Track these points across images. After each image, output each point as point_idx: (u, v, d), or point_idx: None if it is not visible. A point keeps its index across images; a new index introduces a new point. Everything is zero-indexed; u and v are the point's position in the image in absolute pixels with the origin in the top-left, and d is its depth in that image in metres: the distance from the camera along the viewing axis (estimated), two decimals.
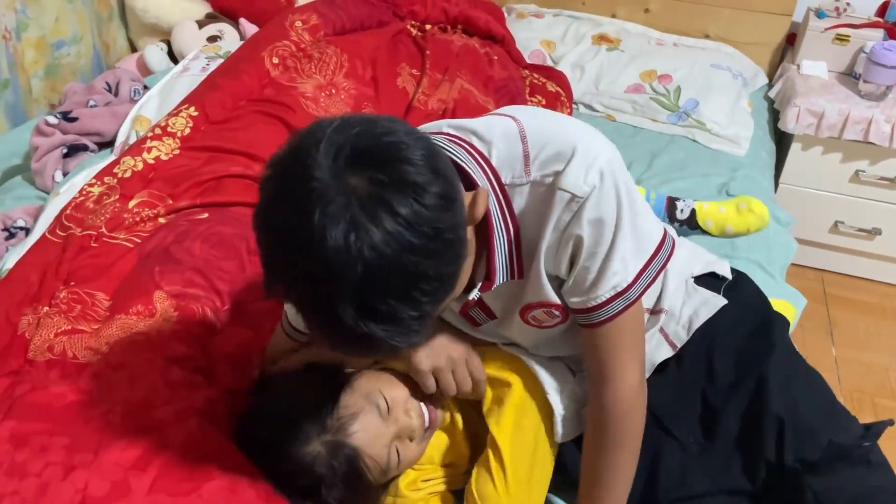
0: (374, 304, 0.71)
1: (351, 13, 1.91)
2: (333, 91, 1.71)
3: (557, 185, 0.88)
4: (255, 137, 1.58)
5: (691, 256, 1.28)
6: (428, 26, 2.10)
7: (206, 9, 2.48)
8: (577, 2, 2.78)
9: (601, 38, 2.60)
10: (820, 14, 2.46)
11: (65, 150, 1.70)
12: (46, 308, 1.25)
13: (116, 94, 1.90)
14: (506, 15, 2.77)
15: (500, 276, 0.95)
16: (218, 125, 1.61)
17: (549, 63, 2.53)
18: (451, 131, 0.95)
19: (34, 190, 1.69)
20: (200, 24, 2.36)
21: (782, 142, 2.45)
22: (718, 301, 1.20)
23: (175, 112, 1.62)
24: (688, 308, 1.20)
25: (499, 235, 0.92)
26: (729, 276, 1.27)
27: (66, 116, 1.74)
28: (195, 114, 1.61)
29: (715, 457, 1.14)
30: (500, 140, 0.91)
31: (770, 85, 2.59)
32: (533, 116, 0.95)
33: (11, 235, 1.50)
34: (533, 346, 1.12)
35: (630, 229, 0.92)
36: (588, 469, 1.06)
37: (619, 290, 0.95)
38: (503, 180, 0.91)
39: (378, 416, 1.03)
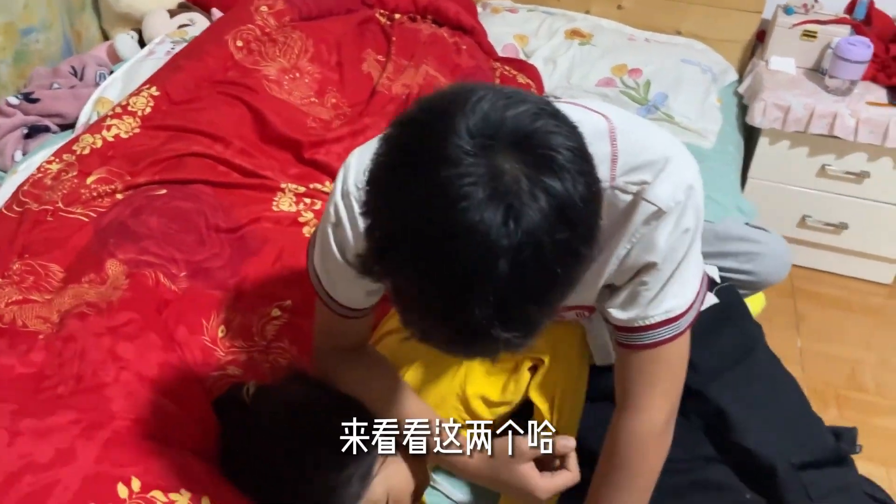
0: (511, 302, 0.62)
1: (319, 0, 1.92)
2: (297, 74, 1.72)
3: (643, 196, 0.83)
4: (216, 118, 1.59)
5: None
6: (397, 15, 2.11)
7: None
8: None
9: (574, 33, 2.62)
10: (788, 10, 2.49)
11: (25, 131, 1.69)
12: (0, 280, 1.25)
13: (82, 79, 1.90)
14: (480, 10, 2.80)
15: None
16: (180, 105, 1.61)
17: (522, 56, 2.54)
18: None
19: None
20: (172, 14, 2.36)
21: (752, 138, 2.48)
22: (710, 299, 1.22)
23: (136, 92, 1.62)
24: None
25: None
26: (718, 279, 1.30)
27: (28, 97, 1.74)
28: (157, 94, 1.61)
29: (690, 430, 1.13)
30: (588, 137, 0.83)
31: (740, 81, 2.62)
32: (624, 119, 0.89)
33: None
34: None
35: (695, 255, 0.89)
36: (591, 498, 1.00)
37: (672, 315, 0.90)
38: None
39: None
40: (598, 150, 0.79)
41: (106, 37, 2.57)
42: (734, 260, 1.43)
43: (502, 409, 1.15)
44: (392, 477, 1.02)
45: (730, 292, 1.29)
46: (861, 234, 2.47)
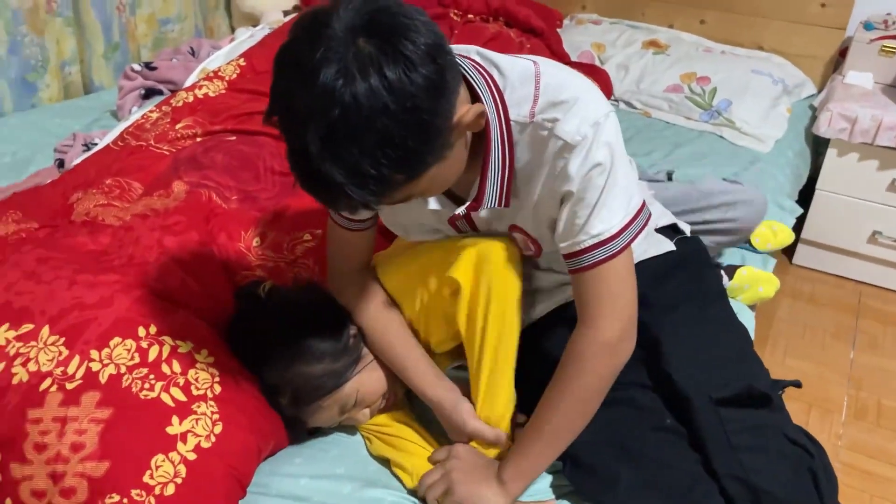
0: (339, 145, 0.79)
1: None
2: None
3: (554, 132, 0.96)
4: None
5: (660, 213, 1.43)
6: (470, 15, 2.34)
7: (295, 1, 2.84)
8: (638, 12, 2.94)
9: (651, 44, 2.75)
10: (867, 26, 2.50)
11: (143, 92, 2.06)
12: (94, 190, 1.57)
13: (196, 56, 2.27)
14: (567, 21, 2.98)
15: (487, 201, 1.02)
16: (261, 74, 1.91)
17: (597, 63, 2.70)
18: (477, 59, 1.01)
19: (115, 121, 2.07)
20: (286, 14, 2.71)
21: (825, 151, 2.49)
22: (667, 245, 1.33)
23: (228, 62, 1.94)
24: (641, 246, 1.31)
25: (494, 163, 1.00)
26: (687, 233, 1.40)
27: (149, 66, 2.11)
28: (243, 64, 1.92)
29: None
30: (516, 79, 0.98)
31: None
32: (550, 66, 1.01)
33: (88, 149, 1.85)
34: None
35: (619, 186, 0.99)
36: (541, 402, 1.10)
37: (603, 238, 1.01)
38: (511, 116, 0.98)
39: (335, 411, 1.19)
40: (526, 90, 0.99)
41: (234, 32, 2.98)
42: (717, 211, 1.57)
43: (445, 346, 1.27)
44: (365, 382, 1.21)
45: (693, 242, 1.38)
46: None
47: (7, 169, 1.92)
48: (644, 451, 1.11)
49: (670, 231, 1.40)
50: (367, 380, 1.22)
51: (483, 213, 1.10)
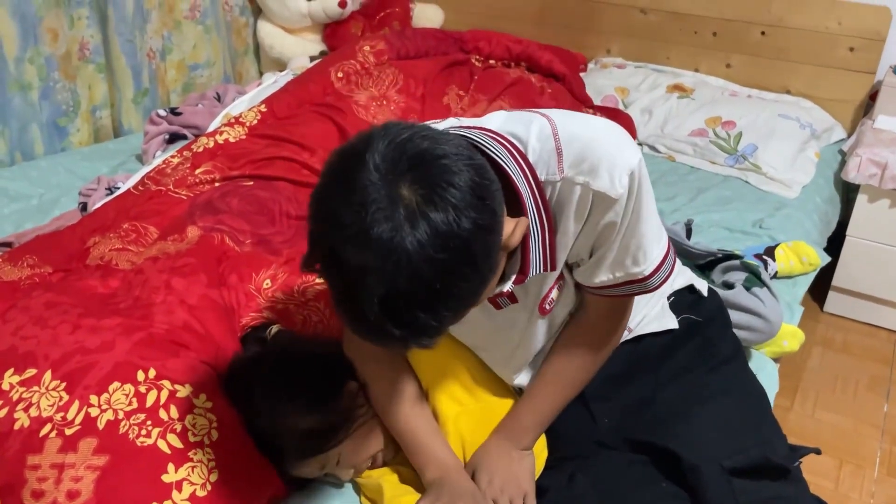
0: (397, 306, 0.76)
1: (418, 45, 2.21)
2: (384, 102, 1.99)
3: (591, 187, 0.94)
4: (307, 131, 1.89)
5: (677, 272, 1.35)
6: (492, 61, 2.35)
7: (322, 47, 2.89)
8: (663, 56, 2.94)
9: (675, 88, 2.73)
10: None
11: (167, 137, 2.10)
12: (111, 234, 1.59)
13: (221, 102, 2.31)
14: (592, 65, 2.99)
15: (534, 270, 0.99)
16: (281, 120, 1.94)
17: (621, 107, 2.69)
18: (494, 131, 0.99)
19: (140, 165, 2.11)
20: (312, 59, 2.76)
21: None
22: (670, 323, 1.26)
23: (250, 108, 1.97)
24: (641, 313, 1.26)
25: (534, 232, 0.97)
26: (705, 293, 1.35)
27: (174, 111, 2.15)
28: (264, 110, 1.95)
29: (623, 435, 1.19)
30: (535, 138, 0.97)
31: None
32: (564, 117, 1.00)
33: (111, 193, 1.88)
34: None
35: (650, 229, 1.01)
36: (545, 373, 1.16)
37: (638, 278, 1.03)
38: (539, 176, 0.96)
39: (318, 466, 1.16)
40: (547, 146, 0.97)
41: None
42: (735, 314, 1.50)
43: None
44: (352, 446, 1.17)
45: (709, 302, 1.33)
46: None
47: (34, 211, 1.96)
48: None
49: (686, 292, 1.34)
50: (355, 444, 1.18)
51: (521, 287, 1.07)
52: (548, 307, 1.11)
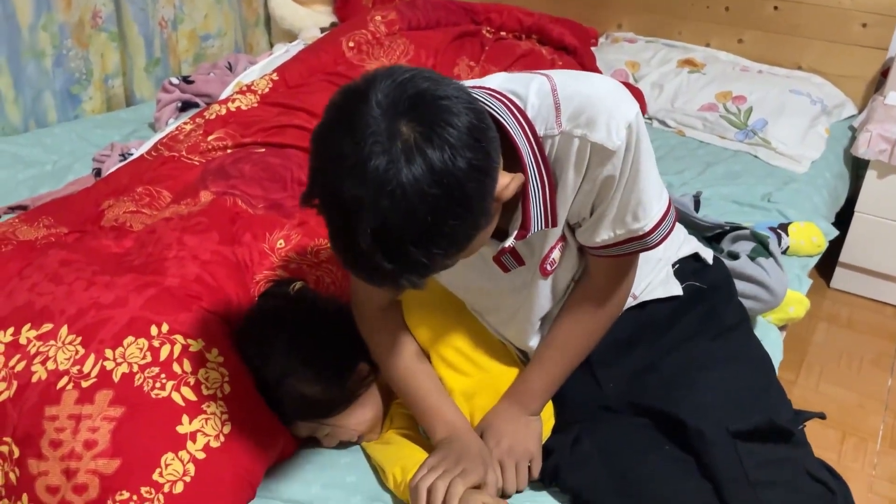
0: (389, 239, 0.78)
1: (429, 15, 2.21)
2: None
3: (589, 139, 0.94)
4: (319, 100, 1.90)
5: (682, 240, 1.36)
6: (503, 33, 2.35)
7: (332, 19, 2.89)
8: (674, 31, 2.92)
9: (687, 62, 2.73)
10: None
11: (179, 105, 2.11)
12: (125, 198, 1.61)
13: (233, 71, 2.32)
14: (602, 40, 2.98)
15: (535, 226, 1.00)
16: (293, 88, 1.95)
17: (631, 81, 2.68)
18: (494, 88, 1.00)
19: (153, 132, 2.12)
20: (323, 30, 2.76)
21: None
22: (675, 289, 1.27)
23: (262, 77, 1.98)
24: (646, 279, 1.27)
25: (534, 188, 0.98)
26: (710, 261, 1.35)
27: (186, 79, 2.17)
28: (276, 78, 1.96)
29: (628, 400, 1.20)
30: (534, 95, 0.97)
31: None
32: (563, 73, 1.01)
33: (124, 159, 1.90)
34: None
35: (649, 185, 1.01)
36: (553, 339, 1.18)
37: (641, 233, 1.03)
38: (538, 132, 0.96)
39: (309, 430, 1.21)
40: (546, 102, 0.98)
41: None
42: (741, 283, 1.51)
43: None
44: (343, 422, 1.20)
45: (715, 270, 1.33)
46: None
47: (48, 177, 1.98)
48: (646, 483, 1.08)
49: (691, 260, 1.34)
50: (347, 420, 1.20)
51: (525, 244, 1.08)
52: (549, 268, 1.12)
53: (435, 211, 0.78)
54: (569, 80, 0.99)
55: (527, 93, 0.98)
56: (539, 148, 0.96)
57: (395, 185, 0.76)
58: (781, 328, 1.67)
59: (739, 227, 1.74)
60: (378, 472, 1.20)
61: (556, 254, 1.11)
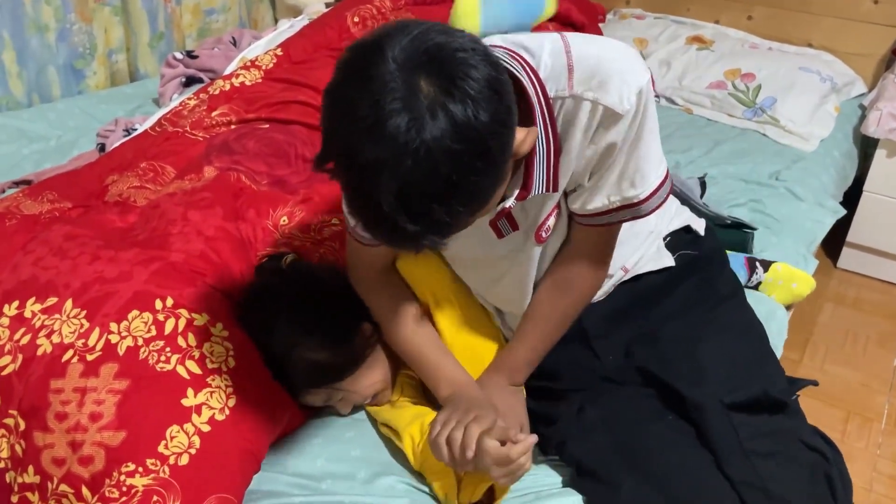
0: (412, 199, 0.76)
1: None
2: None
3: (599, 102, 0.93)
4: (323, 76, 1.86)
5: (673, 213, 1.35)
6: None
7: None
8: (683, 7, 2.89)
9: (695, 39, 2.70)
10: None
11: (183, 80, 2.10)
12: (129, 173, 1.60)
13: (237, 46, 2.30)
14: (610, 16, 2.95)
15: (536, 188, 0.99)
16: (297, 64, 1.93)
17: None
18: (506, 45, 0.98)
19: (157, 108, 2.11)
20: (327, 5, 2.73)
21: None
22: (667, 261, 1.27)
23: (266, 52, 1.97)
24: (637, 251, 1.27)
25: (540, 149, 0.96)
26: (702, 232, 1.35)
27: (190, 54, 2.15)
28: (280, 53, 1.94)
29: (629, 371, 1.20)
30: (547, 55, 0.95)
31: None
32: (576, 35, 0.99)
33: (129, 134, 1.89)
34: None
35: (650, 153, 1.01)
36: (535, 311, 1.17)
37: (634, 201, 1.02)
38: (549, 93, 0.94)
39: (323, 398, 1.22)
40: (558, 63, 0.95)
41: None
42: None
43: None
44: (356, 385, 1.21)
45: (707, 241, 1.33)
46: None
47: (52, 152, 1.98)
48: (649, 453, 1.08)
49: (683, 232, 1.34)
50: (358, 383, 1.21)
51: (521, 209, 1.07)
52: (544, 235, 1.10)
53: (458, 167, 0.75)
54: (582, 42, 0.98)
55: (540, 52, 0.96)
56: (549, 108, 0.95)
57: (418, 143, 0.73)
58: (788, 308, 1.66)
59: (743, 225, 1.72)
60: (390, 439, 1.20)
61: (551, 221, 1.09)
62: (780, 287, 1.59)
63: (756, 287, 1.63)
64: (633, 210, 1.04)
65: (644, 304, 1.24)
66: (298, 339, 1.16)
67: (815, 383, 1.24)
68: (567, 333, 1.19)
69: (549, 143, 0.96)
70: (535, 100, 0.93)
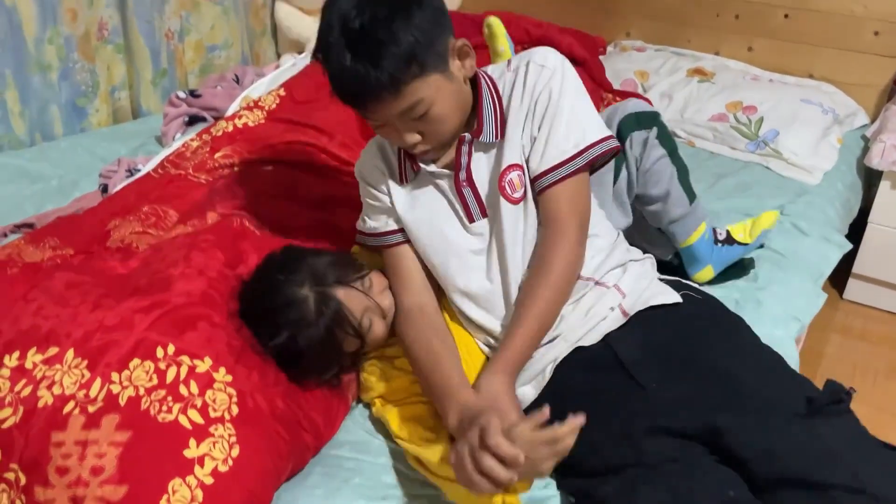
0: (396, 19, 1.05)
1: None
2: None
3: (530, 61, 1.22)
4: (326, 116, 1.88)
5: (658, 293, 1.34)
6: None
7: None
8: (683, 39, 2.90)
9: (696, 72, 2.70)
10: None
11: (186, 119, 2.10)
12: (131, 217, 1.60)
13: (240, 84, 2.31)
14: (611, 48, 2.96)
15: (486, 128, 1.22)
16: (300, 104, 1.93)
17: (640, 91, 2.66)
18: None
19: (160, 146, 2.11)
20: None
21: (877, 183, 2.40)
22: (673, 297, 1.28)
23: (269, 92, 1.97)
24: (648, 291, 1.29)
25: (486, 100, 1.23)
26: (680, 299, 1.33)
27: (193, 93, 2.15)
28: (283, 94, 1.95)
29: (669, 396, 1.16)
30: (494, 68, 1.29)
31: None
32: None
33: (131, 175, 1.89)
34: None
35: (585, 106, 1.23)
36: (522, 301, 1.22)
37: (583, 147, 1.21)
38: (491, 74, 1.26)
39: (360, 287, 1.27)
40: (501, 66, 1.27)
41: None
42: None
43: None
44: (350, 295, 1.26)
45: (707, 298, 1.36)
46: None
47: (54, 192, 1.97)
48: None
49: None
50: (374, 289, 1.30)
51: (481, 168, 1.25)
52: (508, 189, 1.23)
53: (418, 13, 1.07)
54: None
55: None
56: (491, 80, 1.24)
57: None
58: (796, 341, 1.65)
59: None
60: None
61: (513, 175, 1.23)
62: (745, 225, 1.68)
63: (727, 236, 1.68)
64: (586, 155, 1.21)
65: (669, 332, 1.24)
66: (297, 276, 1.23)
67: (854, 391, 1.17)
68: (602, 363, 1.21)
69: (492, 97, 1.23)
70: (480, 73, 1.23)
